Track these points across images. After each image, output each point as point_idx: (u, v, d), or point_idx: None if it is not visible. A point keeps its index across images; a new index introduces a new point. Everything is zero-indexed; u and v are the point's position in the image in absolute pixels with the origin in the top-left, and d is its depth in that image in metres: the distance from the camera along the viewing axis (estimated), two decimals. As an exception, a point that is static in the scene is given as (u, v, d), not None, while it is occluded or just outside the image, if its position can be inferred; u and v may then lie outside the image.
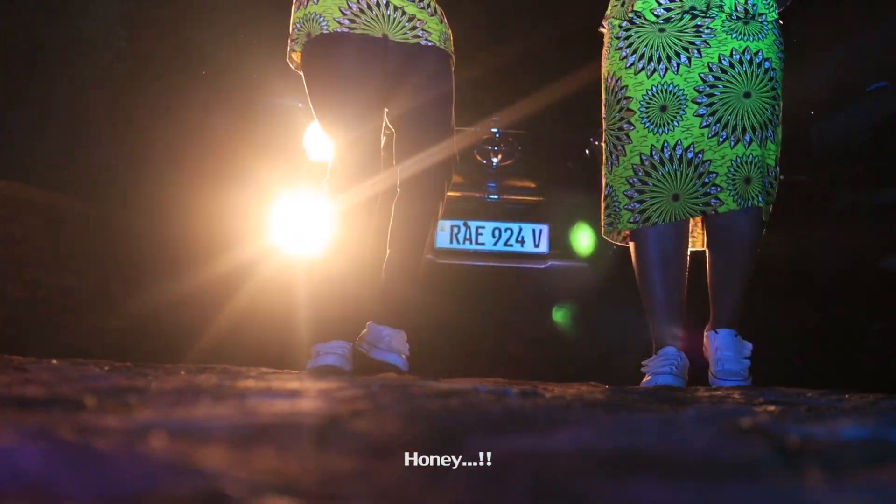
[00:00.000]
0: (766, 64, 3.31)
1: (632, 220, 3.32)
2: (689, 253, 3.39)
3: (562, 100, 4.88)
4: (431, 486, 1.25)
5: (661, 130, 3.29)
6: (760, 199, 3.30)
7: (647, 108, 3.30)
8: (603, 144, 3.43)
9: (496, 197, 4.72)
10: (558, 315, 5.05)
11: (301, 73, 3.48)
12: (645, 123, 3.30)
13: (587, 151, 4.87)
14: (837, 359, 4.90)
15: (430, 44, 3.42)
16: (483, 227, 4.64)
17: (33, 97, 5.47)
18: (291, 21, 3.47)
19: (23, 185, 5.06)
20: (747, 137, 3.28)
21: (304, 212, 4.59)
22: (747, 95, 3.28)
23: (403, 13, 3.40)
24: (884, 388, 3.37)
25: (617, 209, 3.35)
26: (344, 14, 3.38)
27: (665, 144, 3.28)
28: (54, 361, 2.81)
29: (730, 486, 1.24)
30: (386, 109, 3.48)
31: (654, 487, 1.23)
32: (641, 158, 3.30)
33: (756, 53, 3.30)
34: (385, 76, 3.42)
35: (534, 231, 4.67)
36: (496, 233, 4.64)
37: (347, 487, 1.23)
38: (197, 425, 1.61)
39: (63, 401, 1.86)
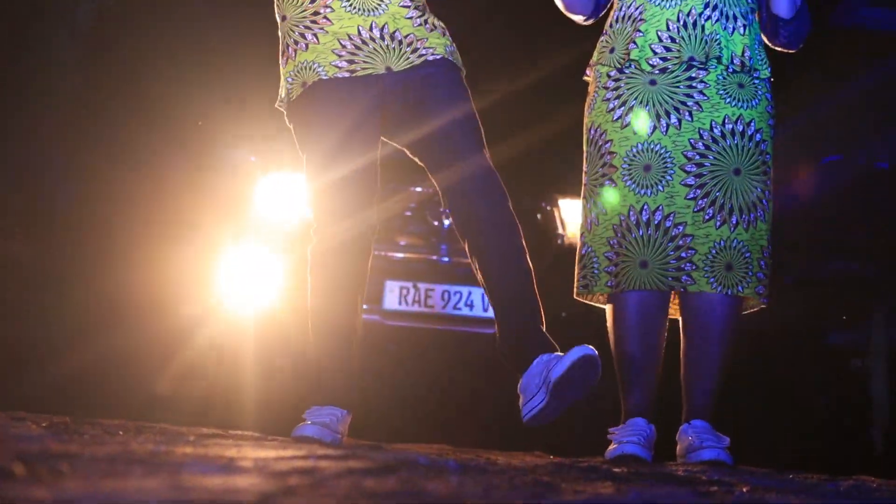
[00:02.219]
0: (758, 136, 3.17)
1: (609, 284, 3.16)
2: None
3: (516, 163, 4.87)
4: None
5: (641, 192, 3.13)
6: (741, 287, 3.14)
7: (629, 165, 3.14)
8: (583, 200, 3.26)
9: (447, 259, 4.69)
10: None
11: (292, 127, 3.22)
12: (626, 182, 3.15)
13: (539, 216, 4.86)
14: (782, 434, 4.91)
15: (437, 56, 3.18)
16: (432, 290, 4.60)
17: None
18: (281, 77, 3.20)
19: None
20: (734, 219, 3.12)
21: (253, 267, 4.55)
22: (737, 172, 3.14)
23: (401, 42, 3.15)
24: (826, 466, 3.36)
25: (595, 271, 3.18)
26: (340, 56, 3.12)
27: (645, 207, 3.13)
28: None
29: None
30: (407, 150, 3.25)
31: None
32: (620, 219, 3.14)
33: (749, 124, 3.16)
34: (389, 118, 3.20)
35: (483, 295, 4.64)
36: (445, 295, 4.61)
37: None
38: (125, 500, 1.56)
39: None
